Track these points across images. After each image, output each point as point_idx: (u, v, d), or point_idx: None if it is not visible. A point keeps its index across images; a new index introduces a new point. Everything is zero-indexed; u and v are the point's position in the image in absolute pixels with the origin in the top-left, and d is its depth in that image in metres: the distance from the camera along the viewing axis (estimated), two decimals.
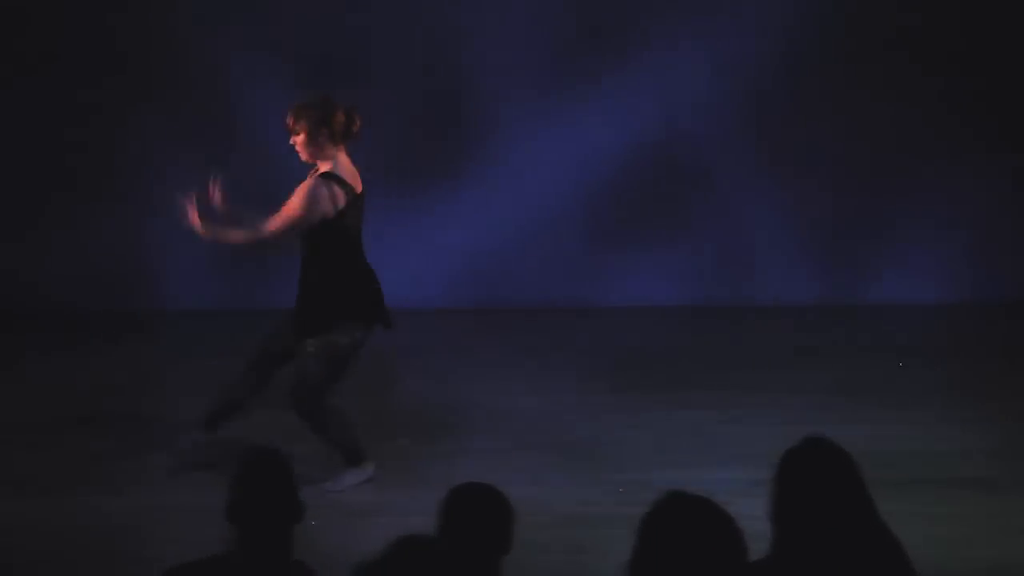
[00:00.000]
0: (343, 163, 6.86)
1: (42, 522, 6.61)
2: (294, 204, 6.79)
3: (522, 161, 10.56)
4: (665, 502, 3.46)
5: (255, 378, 7.08)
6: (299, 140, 6.78)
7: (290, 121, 6.78)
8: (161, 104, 10.29)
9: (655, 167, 10.56)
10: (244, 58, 10.28)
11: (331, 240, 6.82)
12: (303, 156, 6.84)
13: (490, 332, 10.02)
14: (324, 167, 6.82)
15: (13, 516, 6.69)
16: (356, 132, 6.86)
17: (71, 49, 10.31)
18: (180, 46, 10.22)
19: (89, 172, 10.45)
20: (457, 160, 10.53)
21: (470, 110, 10.52)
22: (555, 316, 10.33)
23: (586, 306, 10.52)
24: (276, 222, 6.83)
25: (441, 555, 3.43)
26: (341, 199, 6.79)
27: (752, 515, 3.91)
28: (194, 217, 6.86)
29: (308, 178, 6.87)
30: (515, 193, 10.56)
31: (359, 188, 6.90)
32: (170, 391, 8.54)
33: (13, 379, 8.92)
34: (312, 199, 6.76)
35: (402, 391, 8.65)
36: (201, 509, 6.27)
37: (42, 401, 8.41)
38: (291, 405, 6.96)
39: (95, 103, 10.32)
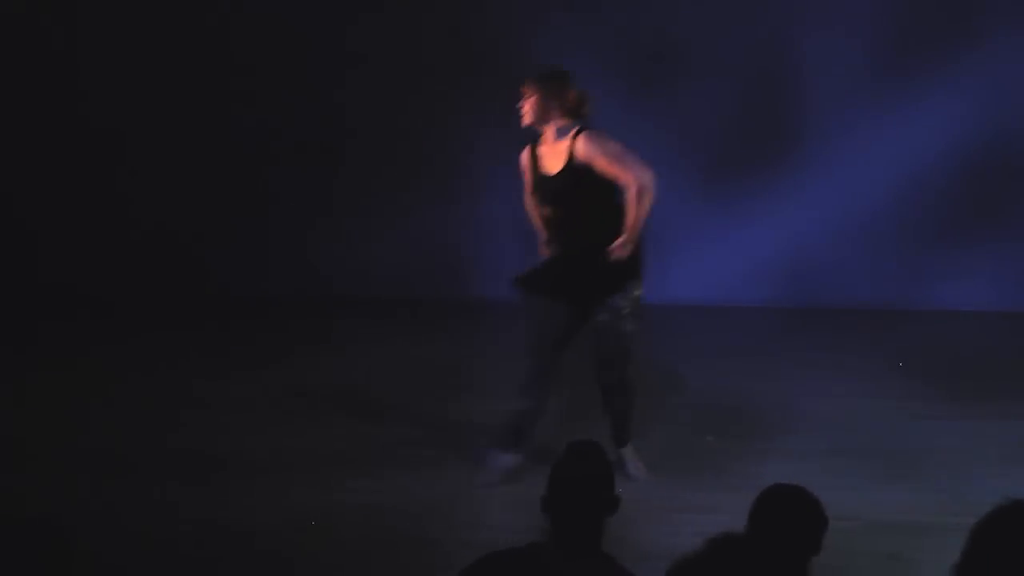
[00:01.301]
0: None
1: (353, 502, 6.78)
2: (615, 149, 6.69)
3: (837, 160, 10.40)
4: (1005, 510, 3.33)
5: (547, 383, 6.86)
6: (529, 103, 6.80)
7: (528, 87, 6.82)
8: (488, 97, 10.42)
9: (975, 168, 10.27)
10: (571, 54, 10.33)
11: (610, 193, 6.73)
12: (527, 119, 6.82)
13: (801, 331, 9.88)
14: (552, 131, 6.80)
15: (337, 493, 6.89)
16: (586, 112, 6.83)
17: (410, 42, 10.59)
18: (512, 42, 10.35)
19: (435, 167, 10.72)
20: (773, 158, 10.43)
21: (786, 107, 10.40)
22: (868, 318, 10.13)
23: (902, 309, 10.29)
24: (635, 168, 6.68)
25: (755, 555, 3.40)
26: None
27: None
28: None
29: (569, 139, 6.76)
30: (830, 192, 10.40)
31: None
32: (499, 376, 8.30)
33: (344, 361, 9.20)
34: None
35: (709, 388, 8.58)
36: (517, 497, 6.35)
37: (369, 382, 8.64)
38: (604, 378, 6.85)
39: (433, 96, 10.59)
